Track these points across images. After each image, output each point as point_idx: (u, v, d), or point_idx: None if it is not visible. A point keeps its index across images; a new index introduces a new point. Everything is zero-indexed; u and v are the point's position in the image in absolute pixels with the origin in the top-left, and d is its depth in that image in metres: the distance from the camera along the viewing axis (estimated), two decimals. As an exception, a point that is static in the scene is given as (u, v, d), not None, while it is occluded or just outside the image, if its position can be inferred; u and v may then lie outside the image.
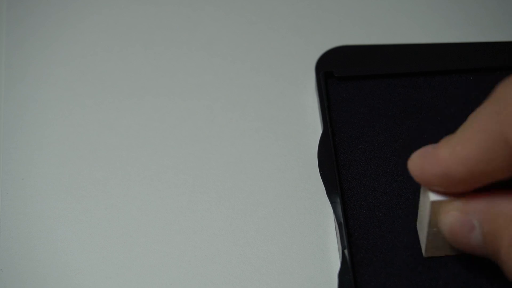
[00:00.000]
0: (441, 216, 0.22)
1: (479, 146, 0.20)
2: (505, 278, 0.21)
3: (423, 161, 0.21)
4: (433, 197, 0.22)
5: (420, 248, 0.25)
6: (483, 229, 0.21)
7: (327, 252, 0.27)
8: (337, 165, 0.28)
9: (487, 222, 0.20)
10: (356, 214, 0.27)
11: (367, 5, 0.35)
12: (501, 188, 0.21)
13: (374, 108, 0.30)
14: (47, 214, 0.29)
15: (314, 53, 0.32)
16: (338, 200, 0.27)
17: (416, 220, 0.25)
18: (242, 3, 0.35)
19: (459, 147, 0.20)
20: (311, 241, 0.28)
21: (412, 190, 0.27)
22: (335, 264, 0.27)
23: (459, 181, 0.20)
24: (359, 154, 0.29)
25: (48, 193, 0.30)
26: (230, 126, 0.31)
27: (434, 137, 0.23)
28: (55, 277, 0.27)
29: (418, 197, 0.24)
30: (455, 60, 0.31)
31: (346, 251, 0.25)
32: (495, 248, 0.20)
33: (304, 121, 0.31)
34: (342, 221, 0.26)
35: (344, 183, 0.28)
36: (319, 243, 0.28)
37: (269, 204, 0.29)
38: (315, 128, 0.31)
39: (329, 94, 0.30)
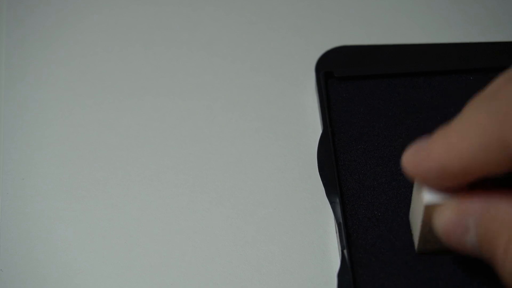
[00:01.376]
0: (435, 217, 0.21)
1: (476, 143, 0.19)
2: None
3: (417, 157, 0.21)
4: (427, 198, 0.22)
5: None
6: (478, 231, 0.20)
7: (327, 252, 0.27)
8: (337, 165, 0.28)
9: (482, 224, 0.20)
10: (355, 214, 0.27)
11: (367, 5, 0.35)
12: (497, 187, 0.21)
13: (374, 108, 0.30)
14: (47, 214, 0.29)
15: (314, 53, 0.32)
16: (338, 200, 0.27)
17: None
18: (242, 3, 0.35)
19: (455, 141, 0.20)
20: (311, 241, 0.28)
21: (411, 189, 0.27)
22: (335, 264, 0.27)
23: (454, 176, 0.20)
24: (358, 154, 0.29)
25: (48, 193, 0.30)
26: (230, 126, 0.31)
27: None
28: (55, 277, 0.27)
29: None
30: (455, 60, 0.31)
31: (345, 251, 0.25)
32: (490, 251, 0.20)
33: (304, 121, 0.31)
34: (341, 221, 0.26)
35: (343, 183, 0.28)
36: (319, 243, 0.28)
37: (269, 204, 0.29)
38: (315, 128, 0.31)
39: (329, 94, 0.30)
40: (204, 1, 0.36)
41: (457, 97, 0.30)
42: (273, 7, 0.35)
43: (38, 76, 0.33)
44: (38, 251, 0.28)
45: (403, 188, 0.27)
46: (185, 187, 0.30)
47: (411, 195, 0.26)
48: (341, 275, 0.25)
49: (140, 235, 0.28)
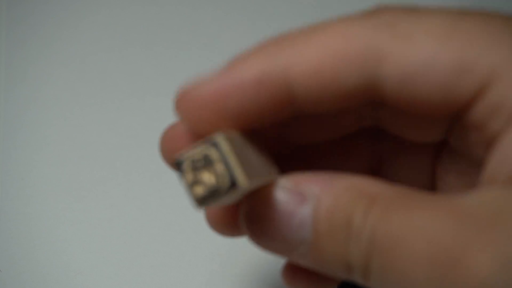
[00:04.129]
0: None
1: (334, 49, 0.15)
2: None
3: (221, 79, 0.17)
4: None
5: None
6: (323, 200, 0.15)
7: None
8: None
9: (330, 193, 0.15)
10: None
11: (367, 5, 0.35)
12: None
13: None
14: (47, 214, 0.29)
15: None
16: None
17: None
18: (242, 3, 0.35)
19: (301, 47, 0.16)
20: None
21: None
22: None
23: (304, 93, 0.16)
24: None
25: (48, 193, 0.30)
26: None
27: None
28: (55, 278, 0.27)
29: None
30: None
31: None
32: (340, 221, 0.15)
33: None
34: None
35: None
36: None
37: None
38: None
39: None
40: (204, 1, 0.36)
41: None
42: (273, 7, 0.35)
43: (38, 76, 0.33)
44: (38, 251, 0.28)
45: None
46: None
47: None
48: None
49: (140, 235, 0.28)
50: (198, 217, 0.29)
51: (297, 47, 0.16)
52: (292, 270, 0.20)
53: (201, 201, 0.15)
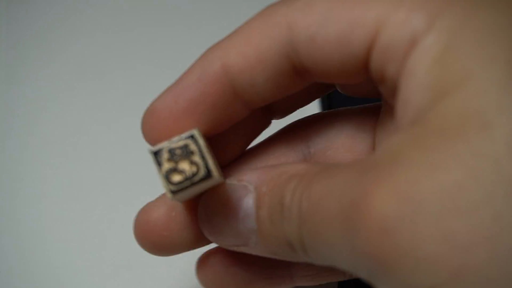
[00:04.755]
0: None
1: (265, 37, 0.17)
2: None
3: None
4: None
5: None
6: (261, 189, 0.17)
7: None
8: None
9: (267, 182, 0.17)
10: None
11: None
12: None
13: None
14: (47, 214, 0.29)
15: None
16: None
17: None
18: (242, 3, 0.35)
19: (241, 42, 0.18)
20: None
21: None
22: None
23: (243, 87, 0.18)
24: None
25: (48, 193, 0.30)
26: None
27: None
28: (54, 278, 0.27)
29: None
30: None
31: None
32: (274, 202, 0.17)
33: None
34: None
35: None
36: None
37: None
38: (315, 128, 0.31)
39: (330, 94, 0.30)
40: (205, 1, 0.36)
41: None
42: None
43: (37, 75, 0.33)
44: (37, 251, 0.28)
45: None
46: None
47: None
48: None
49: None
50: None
51: (228, 41, 0.18)
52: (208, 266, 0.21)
53: (177, 189, 0.16)
